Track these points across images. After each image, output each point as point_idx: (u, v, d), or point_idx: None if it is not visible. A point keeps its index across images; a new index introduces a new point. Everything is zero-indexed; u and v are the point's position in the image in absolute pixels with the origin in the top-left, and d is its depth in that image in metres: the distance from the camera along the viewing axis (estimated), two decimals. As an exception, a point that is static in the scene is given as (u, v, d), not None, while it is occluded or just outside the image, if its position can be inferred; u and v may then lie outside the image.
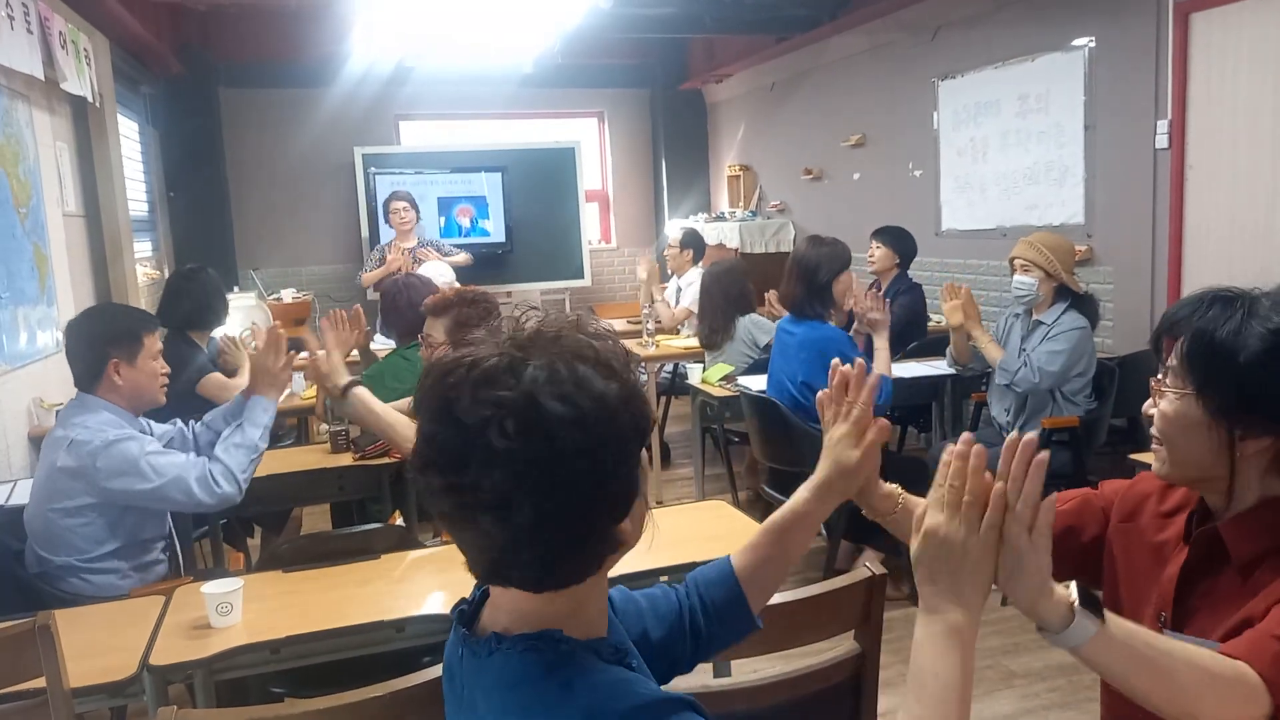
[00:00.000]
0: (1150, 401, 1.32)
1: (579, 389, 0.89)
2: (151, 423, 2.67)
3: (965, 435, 1.03)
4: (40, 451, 2.53)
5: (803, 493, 1.26)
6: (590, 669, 0.93)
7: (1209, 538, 1.27)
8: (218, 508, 2.55)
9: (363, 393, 2.53)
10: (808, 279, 3.70)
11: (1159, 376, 1.30)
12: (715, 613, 1.23)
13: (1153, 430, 1.30)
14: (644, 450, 0.97)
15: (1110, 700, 1.38)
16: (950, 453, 1.01)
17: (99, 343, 2.50)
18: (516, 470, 0.86)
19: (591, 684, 0.91)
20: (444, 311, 2.98)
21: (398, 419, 2.55)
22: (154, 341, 2.59)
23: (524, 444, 0.86)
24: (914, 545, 1.00)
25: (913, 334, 4.65)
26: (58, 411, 3.79)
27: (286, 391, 4.22)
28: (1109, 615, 1.05)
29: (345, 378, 2.58)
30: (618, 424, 0.90)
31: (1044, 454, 1.00)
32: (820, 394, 1.28)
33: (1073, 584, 1.05)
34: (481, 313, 2.96)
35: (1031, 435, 1.02)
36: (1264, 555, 1.20)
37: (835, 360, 1.30)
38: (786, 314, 3.86)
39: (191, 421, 2.80)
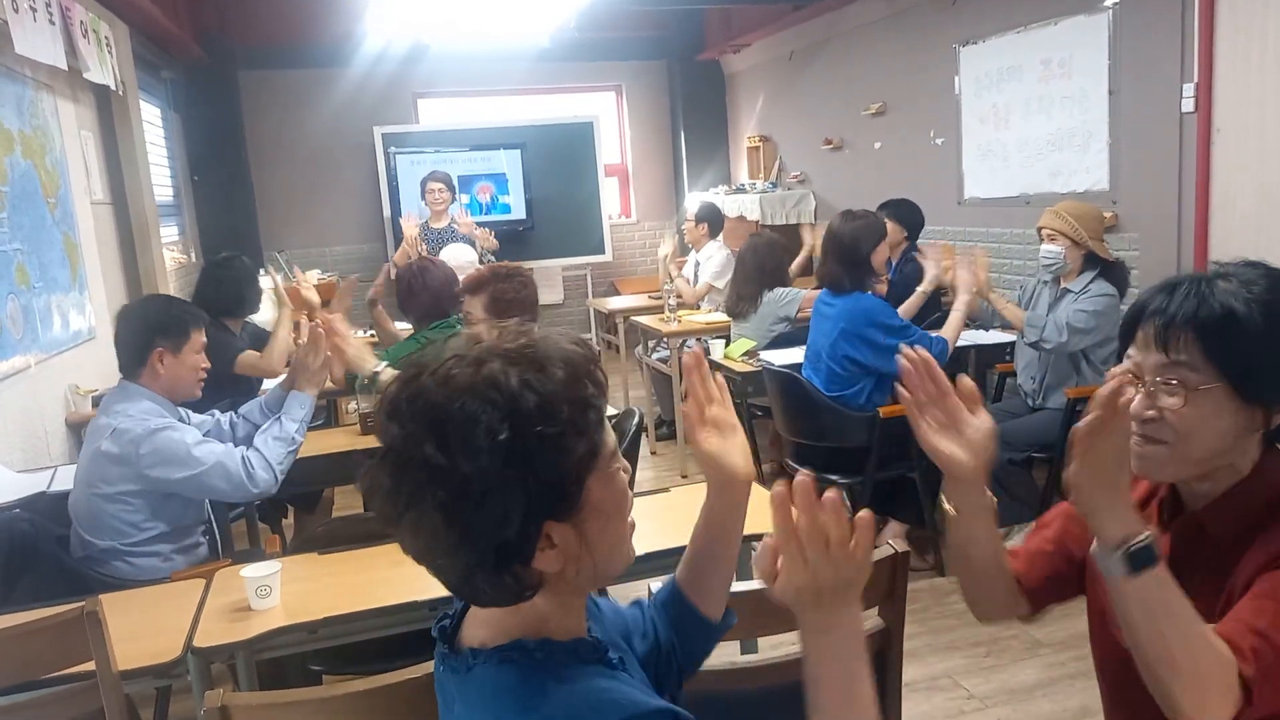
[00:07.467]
0: (1144, 402, 1.20)
1: (466, 434, 0.86)
2: (189, 412, 2.72)
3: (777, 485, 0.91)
4: (85, 437, 2.58)
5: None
6: (568, 676, 0.92)
7: (1188, 526, 1.26)
8: (256, 497, 2.61)
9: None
10: (846, 254, 3.69)
11: (1151, 375, 1.21)
12: (672, 624, 1.21)
13: (1150, 433, 1.20)
14: (601, 476, 0.93)
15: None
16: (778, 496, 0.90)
17: (148, 330, 2.54)
18: (393, 504, 0.90)
19: (570, 692, 0.90)
20: (480, 289, 3.02)
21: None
22: (199, 337, 2.64)
23: (395, 483, 0.90)
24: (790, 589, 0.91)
25: (928, 306, 4.62)
26: (93, 398, 3.90)
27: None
28: (1157, 577, 1.06)
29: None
30: (501, 477, 0.86)
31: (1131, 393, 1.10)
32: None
33: (1147, 531, 1.08)
34: (517, 287, 3.00)
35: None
36: (1240, 534, 1.20)
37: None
38: (824, 289, 3.85)
39: (230, 414, 2.85)
